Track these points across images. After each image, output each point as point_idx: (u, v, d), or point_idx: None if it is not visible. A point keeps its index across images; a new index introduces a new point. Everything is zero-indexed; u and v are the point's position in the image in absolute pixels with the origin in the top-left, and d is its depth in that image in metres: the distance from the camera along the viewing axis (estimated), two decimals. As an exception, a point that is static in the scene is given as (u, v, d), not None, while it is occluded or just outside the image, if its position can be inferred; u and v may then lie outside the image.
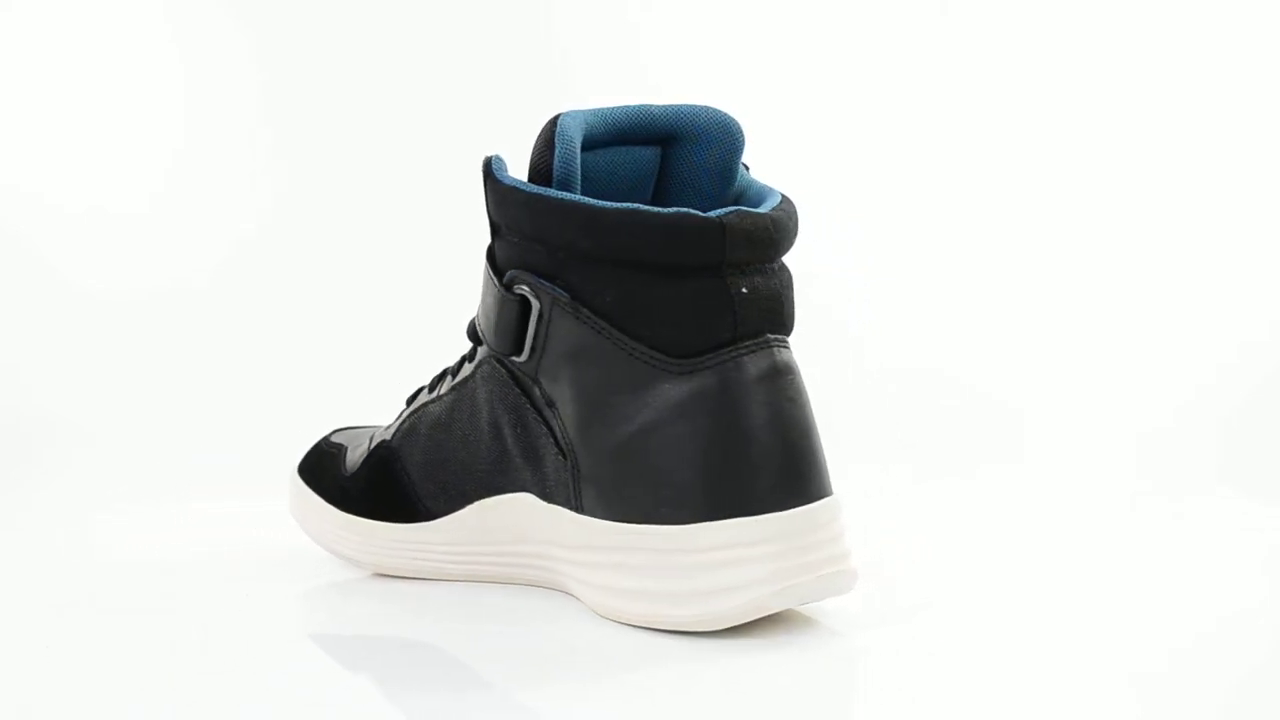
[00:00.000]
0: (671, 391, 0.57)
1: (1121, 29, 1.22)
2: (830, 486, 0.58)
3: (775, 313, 0.58)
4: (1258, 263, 1.14)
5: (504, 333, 0.62)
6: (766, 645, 0.56)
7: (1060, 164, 1.21)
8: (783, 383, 0.57)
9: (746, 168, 0.64)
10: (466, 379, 0.66)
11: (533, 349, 0.61)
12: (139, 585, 0.71)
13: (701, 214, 0.57)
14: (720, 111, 0.63)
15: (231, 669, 0.57)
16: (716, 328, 0.57)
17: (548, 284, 0.60)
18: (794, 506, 0.56)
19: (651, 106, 0.63)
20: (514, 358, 0.62)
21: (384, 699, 0.53)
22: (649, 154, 0.63)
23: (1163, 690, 0.52)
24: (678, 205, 0.62)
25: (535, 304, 0.60)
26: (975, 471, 0.93)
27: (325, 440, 0.74)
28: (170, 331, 1.19)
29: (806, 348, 0.62)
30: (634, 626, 0.58)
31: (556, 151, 0.60)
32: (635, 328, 0.58)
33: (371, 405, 0.83)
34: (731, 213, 0.57)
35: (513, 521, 0.64)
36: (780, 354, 0.58)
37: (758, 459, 0.56)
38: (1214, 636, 0.59)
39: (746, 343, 0.57)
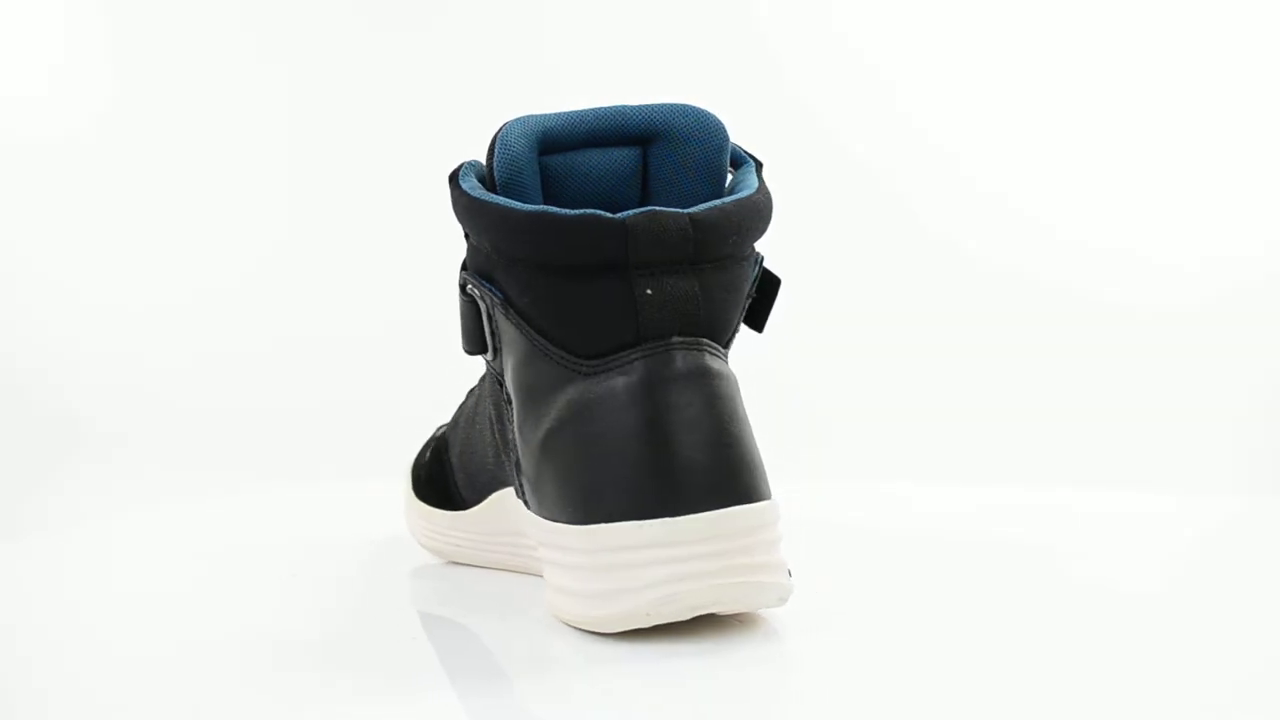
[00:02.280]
0: (578, 392, 0.56)
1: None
2: (748, 496, 0.55)
3: (688, 315, 0.56)
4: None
5: (466, 333, 0.63)
6: (699, 650, 0.55)
7: (1056, 166, 1.22)
8: (683, 386, 0.55)
9: (759, 165, 0.62)
10: (484, 375, 0.67)
11: (494, 348, 0.61)
12: (171, 577, 0.73)
13: (608, 215, 0.56)
14: (700, 109, 0.61)
15: (237, 663, 0.58)
16: (619, 329, 0.56)
17: (488, 285, 0.60)
18: (686, 514, 0.54)
19: (626, 107, 0.61)
20: (485, 357, 0.63)
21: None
22: (628, 155, 0.61)
23: (1111, 699, 0.51)
24: (663, 205, 0.61)
25: (482, 305, 0.60)
26: (935, 478, 0.93)
27: (436, 431, 0.75)
28: (193, 335, 1.20)
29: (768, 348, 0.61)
30: (569, 625, 0.58)
31: (497, 157, 0.59)
32: (549, 328, 0.57)
33: (427, 402, 0.83)
34: (642, 213, 0.56)
35: (511, 514, 0.65)
36: (686, 357, 0.56)
37: (645, 464, 0.55)
38: (1158, 639, 0.58)
39: (649, 345, 0.56)
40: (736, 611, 0.57)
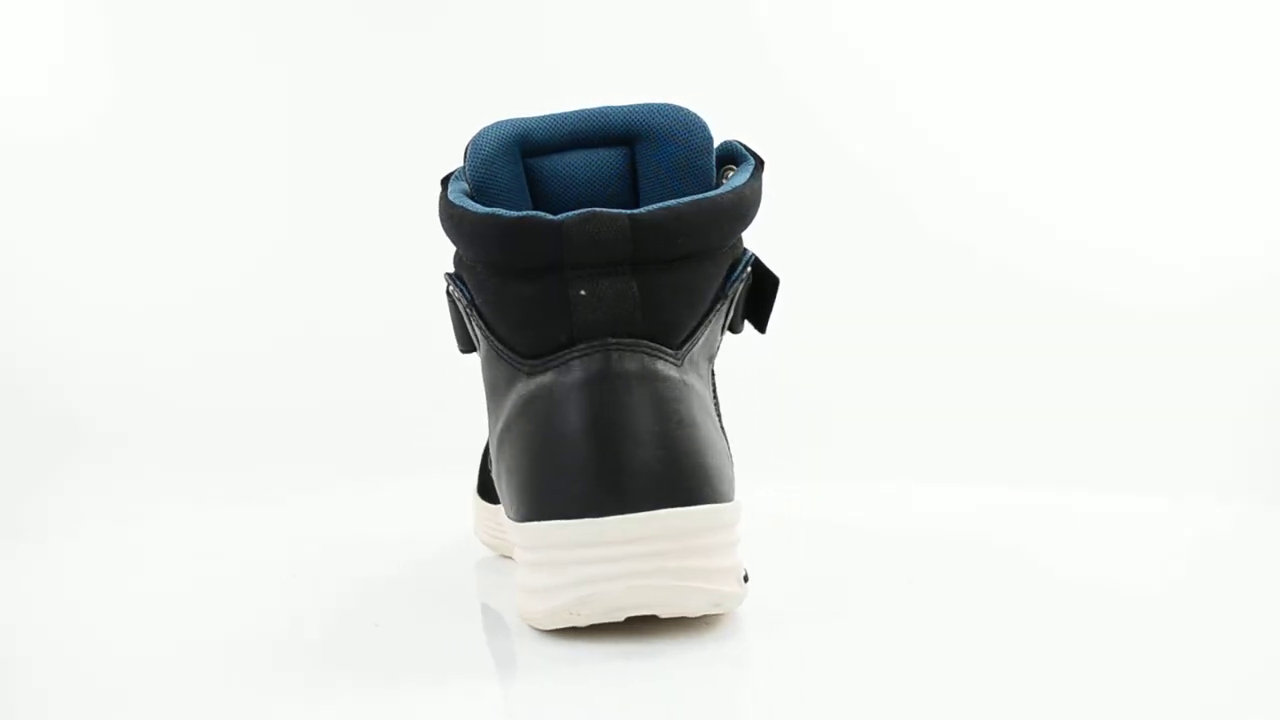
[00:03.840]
0: (520, 392, 0.57)
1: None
2: (679, 500, 0.55)
3: (623, 316, 0.56)
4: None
5: (455, 332, 0.64)
6: (654, 651, 0.55)
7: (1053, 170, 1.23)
8: (614, 387, 0.55)
9: (759, 164, 0.61)
10: None
11: (476, 346, 0.62)
12: (171, 577, 0.73)
13: (547, 217, 0.56)
14: (680, 108, 0.61)
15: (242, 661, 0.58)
16: (554, 329, 0.56)
17: (462, 285, 0.60)
18: (605, 515, 0.54)
19: (609, 107, 0.61)
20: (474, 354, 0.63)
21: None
22: (614, 155, 0.61)
23: (1109, 699, 0.51)
24: (653, 204, 0.60)
25: (459, 305, 0.61)
26: (935, 478, 0.92)
27: None
28: (193, 335, 1.20)
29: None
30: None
31: (469, 160, 0.60)
32: (498, 328, 0.58)
33: (428, 402, 0.82)
34: (579, 214, 0.56)
35: None
36: (620, 359, 0.56)
37: (568, 464, 0.55)
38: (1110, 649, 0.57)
39: (584, 346, 0.56)
40: (668, 615, 0.56)
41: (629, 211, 0.56)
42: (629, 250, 0.56)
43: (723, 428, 0.62)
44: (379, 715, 0.51)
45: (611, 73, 1.27)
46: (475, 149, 0.60)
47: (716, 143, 0.64)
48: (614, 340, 0.56)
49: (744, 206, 0.59)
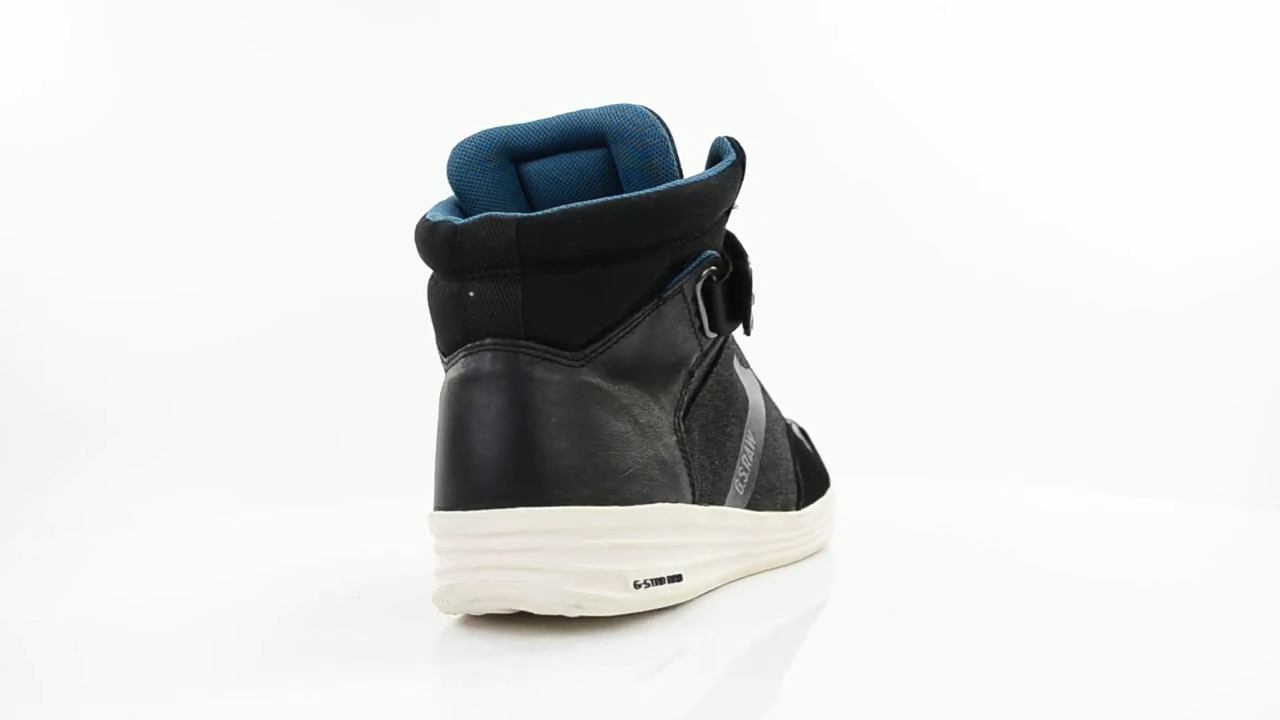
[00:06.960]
0: (440, 387, 0.59)
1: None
2: (534, 499, 0.56)
3: (502, 318, 0.57)
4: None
5: None
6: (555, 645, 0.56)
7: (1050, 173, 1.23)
8: (483, 386, 0.57)
9: (738, 161, 0.62)
10: None
11: None
12: (170, 577, 0.74)
13: (453, 221, 0.58)
14: (635, 108, 0.62)
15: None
16: (453, 329, 0.58)
17: None
18: (464, 509, 0.56)
19: (584, 111, 0.62)
20: None
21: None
22: (593, 157, 0.63)
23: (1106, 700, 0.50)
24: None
25: None
26: (934, 477, 0.92)
27: None
28: (193, 335, 1.20)
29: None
30: None
31: (447, 166, 0.63)
32: (435, 327, 0.60)
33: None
34: (474, 220, 0.57)
35: None
36: (494, 359, 0.57)
37: (448, 457, 0.57)
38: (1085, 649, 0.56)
39: (470, 345, 0.58)
40: (540, 611, 0.57)
41: (520, 215, 0.57)
42: (515, 254, 0.57)
43: (692, 436, 0.62)
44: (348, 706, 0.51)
45: (612, 72, 1.27)
46: (451, 157, 0.63)
47: (717, 138, 0.64)
48: (493, 341, 0.57)
49: (673, 206, 0.59)
